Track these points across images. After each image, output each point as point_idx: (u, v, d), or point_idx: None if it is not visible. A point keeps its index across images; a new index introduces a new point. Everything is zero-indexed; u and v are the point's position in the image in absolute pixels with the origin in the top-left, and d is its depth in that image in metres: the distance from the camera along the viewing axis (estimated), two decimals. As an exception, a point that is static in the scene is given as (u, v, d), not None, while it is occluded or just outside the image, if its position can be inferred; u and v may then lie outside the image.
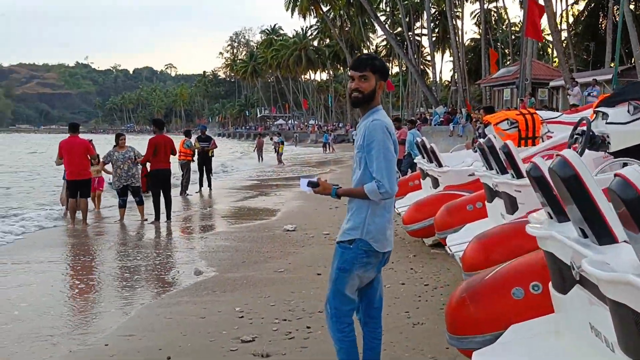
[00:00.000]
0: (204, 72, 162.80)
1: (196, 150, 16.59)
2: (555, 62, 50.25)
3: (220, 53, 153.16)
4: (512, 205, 4.70)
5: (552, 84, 31.75)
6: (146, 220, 11.10)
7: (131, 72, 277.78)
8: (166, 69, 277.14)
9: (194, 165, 16.70)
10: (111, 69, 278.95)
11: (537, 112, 7.85)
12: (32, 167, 29.47)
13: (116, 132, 12.35)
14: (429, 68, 62.92)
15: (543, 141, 7.50)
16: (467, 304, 2.98)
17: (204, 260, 7.73)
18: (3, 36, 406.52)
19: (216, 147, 17.44)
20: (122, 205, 11.25)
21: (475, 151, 8.13)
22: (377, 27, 68.67)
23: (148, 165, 11.22)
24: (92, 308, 5.71)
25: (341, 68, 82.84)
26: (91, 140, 12.25)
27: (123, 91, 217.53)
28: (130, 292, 6.22)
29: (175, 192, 15.72)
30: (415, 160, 9.92)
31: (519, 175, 4.52)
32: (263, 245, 8.64)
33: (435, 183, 8.24)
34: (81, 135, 11.31)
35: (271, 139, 33.38)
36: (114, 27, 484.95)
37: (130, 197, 11.20)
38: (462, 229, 5.72)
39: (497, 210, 5.33)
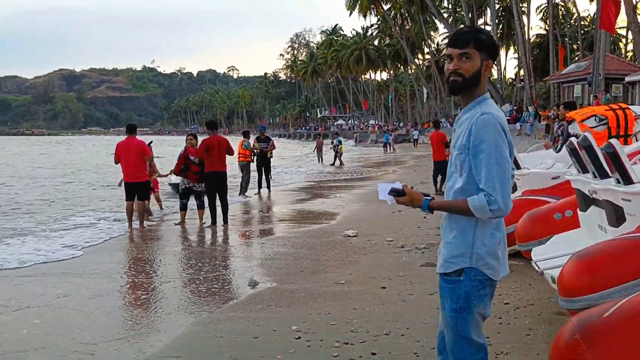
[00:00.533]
0: (265, 73, 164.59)
1: (255, 151, 16.29)
2: (628, 56, 47.69)
3: (281, 54, 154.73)
4: (617, 216, 3.96)
5: (628, 79, 29.91)
6: (204, 223, 10.79)
7: (195, 75, 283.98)
8: (228, 71, 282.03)
9: (253, 167, 16.40)
10: (176, 72, 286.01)
11: (630, 107, 6.99)
12: (100, 168, 29.99)
13: (188, 133, 12.11)
14: (493, 65, 61.07)
15: (637, 140, 6.65)
16: (582, 349, 2.30)
17: (261, 269, 7.26)
18: (75, 43, 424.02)
19: (275, 148, 17.05)
20: (183, 208, 10.97)
21: (558, 151, 7.33)
22: (438, 24, 67.32)
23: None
24: (136, 324, 5.26)
25: (401, 67, 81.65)
26: (151, 142, 12.06)
27: (187, 94, 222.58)
28: (179, 305, 5.77)
29: (234, 193, 15.46)
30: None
31: (627, 180, 3.78)
32: (322, 252, 8.09)
33: (512, 187, 7.46)
34: (148, 137, 11.12)
35: (332, 142, 32.77)
36: (179, 31, 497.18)
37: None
38: (549, 241, 4.99)
39: (593, 220, 4.57)
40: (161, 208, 12.90)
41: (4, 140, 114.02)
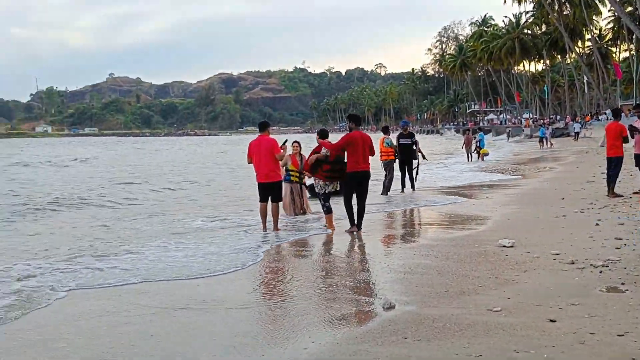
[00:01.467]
0: (413, 69, 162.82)
1: (397, 148, 15.28)
2: None
3: (429, 49, 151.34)
4: None
5: None
6: (333, 230, 9.93)
7: (343, 73, 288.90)
8: (376, 68, 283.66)
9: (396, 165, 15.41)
10: (325, 71, 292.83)
11: None
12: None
13: (317, 130, 11.25)
14: (668, 49, 54.64)
15: None
16: None
17: (398, 285, 6.22)
18: (233, 47, 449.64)
19: (418, 145, 15.86)
20: (328, 211, 10.01)
21: None
22: (601, 8, 61.52)
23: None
24: (238, 354, 4.42)
25: (559, 56, 75.91)
26: (285, 141, 11.50)
27: (336, 92, 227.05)
28: (296, 331, 4.87)
29: (375, 193, 14.55)
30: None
31: None
32: (472, 266, 6.86)
33: None
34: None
35: (474, 138, 31.20)
36: (328, 32, 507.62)
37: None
38: None
39: None
40: (309, 211, 12.01)
41: (173, 140, 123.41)
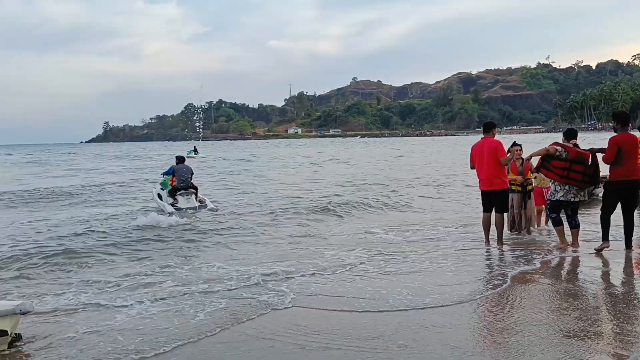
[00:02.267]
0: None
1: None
2: None
3: None
4: None
5: None
6: (577, 248, 8.34)
7: (594, 67, 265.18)
8: (633, 60, 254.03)
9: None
10: (572, 66, 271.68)
11: None
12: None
13: (565, 129, 9.51)
14: None
15: None
16: None
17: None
18: (471, 47, 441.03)
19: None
20: (556, 224, 8.54)
21: None
22: None
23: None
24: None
25: None
26: (514, 142, 10.11)
27: (584, 88, 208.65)
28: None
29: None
30: None
31: None
32: None
33: None
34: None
35: None
36: (574, 23, 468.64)
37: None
38: None
39: None
40: (538, 225, 10.37)
41: (415, 140, 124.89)
